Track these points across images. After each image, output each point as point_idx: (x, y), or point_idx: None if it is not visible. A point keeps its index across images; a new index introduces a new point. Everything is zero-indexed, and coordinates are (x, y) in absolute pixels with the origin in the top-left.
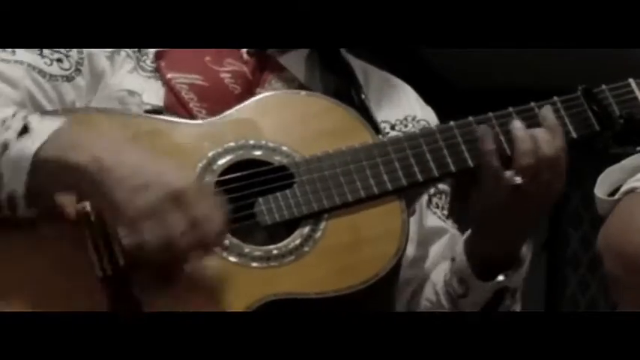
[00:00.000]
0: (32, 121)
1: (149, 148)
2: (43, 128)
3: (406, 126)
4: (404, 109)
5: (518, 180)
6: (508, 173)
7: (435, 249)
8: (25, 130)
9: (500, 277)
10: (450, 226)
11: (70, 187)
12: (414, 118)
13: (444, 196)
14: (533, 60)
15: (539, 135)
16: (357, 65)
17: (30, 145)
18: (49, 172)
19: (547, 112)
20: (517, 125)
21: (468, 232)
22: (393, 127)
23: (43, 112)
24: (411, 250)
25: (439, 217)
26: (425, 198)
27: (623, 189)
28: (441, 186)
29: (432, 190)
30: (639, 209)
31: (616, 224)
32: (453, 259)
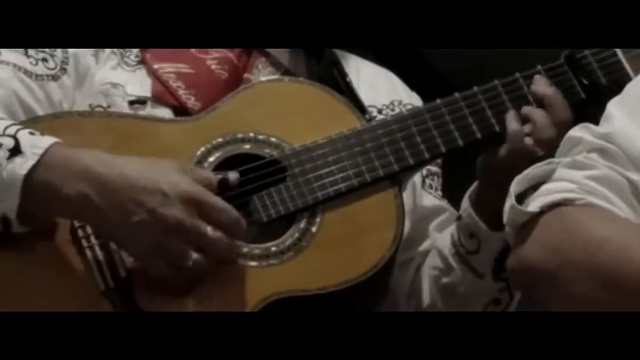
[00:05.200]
0: (22, 139)
1: (138, 154)
2: (33, 149)
3: (393, 110)
4: (389, 94)
5: (540, 152)
6: (531, 146)
7: (435, 225)
8: (16, 149)
9: None
10: (446, 204)
11: (64, 214)
12: (400, 102)
13: (436, 178)
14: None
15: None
16: (351, 60)
17: (20, 168)
18: (41, 198)
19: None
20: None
21: (474, 188)
22: (380, 112)
23: (30, 121)
24: (405, 230)
25: (435, 197)
26: (418, 179)
27: (546, 200)
28: (433, 168)
29: (424, 172)
30: (602, 225)
31: (576, 241)
32: (458, 218)
